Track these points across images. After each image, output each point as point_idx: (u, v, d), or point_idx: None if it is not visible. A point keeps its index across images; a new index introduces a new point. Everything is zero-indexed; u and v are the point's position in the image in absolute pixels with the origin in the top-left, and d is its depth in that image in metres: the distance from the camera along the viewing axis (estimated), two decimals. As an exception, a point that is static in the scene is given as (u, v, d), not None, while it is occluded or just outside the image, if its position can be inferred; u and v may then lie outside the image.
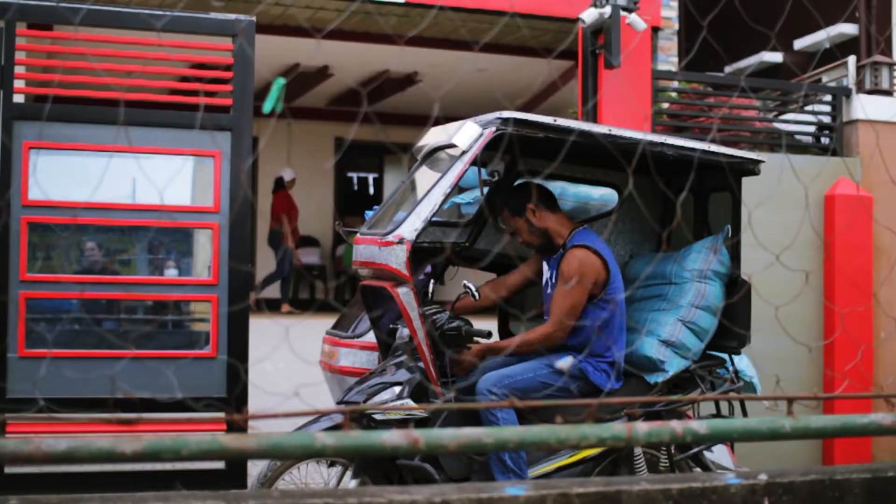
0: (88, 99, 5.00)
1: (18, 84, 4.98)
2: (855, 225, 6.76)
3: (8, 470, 4.65)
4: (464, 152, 3.91)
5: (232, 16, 5.00)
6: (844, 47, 10.47)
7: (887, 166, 6.78)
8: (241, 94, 4.92)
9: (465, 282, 4.28)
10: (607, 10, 6.22)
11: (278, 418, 1.70)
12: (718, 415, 4.63)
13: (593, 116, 6.57)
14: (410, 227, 3.78)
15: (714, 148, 4.36)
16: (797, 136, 7.53)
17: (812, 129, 7.56)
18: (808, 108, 7.60)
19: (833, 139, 7.26)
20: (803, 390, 6.25)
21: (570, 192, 4.91)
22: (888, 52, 10.13)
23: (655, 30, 9.19)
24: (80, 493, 1.63)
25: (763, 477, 2.01)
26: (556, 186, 4.71)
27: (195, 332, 5.20)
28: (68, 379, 4.61)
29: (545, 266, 4.34)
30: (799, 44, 11.03)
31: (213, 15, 4.99)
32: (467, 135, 3.92)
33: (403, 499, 1.70)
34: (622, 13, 6.24)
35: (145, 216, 5.03)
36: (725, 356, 4.45)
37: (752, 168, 4.41)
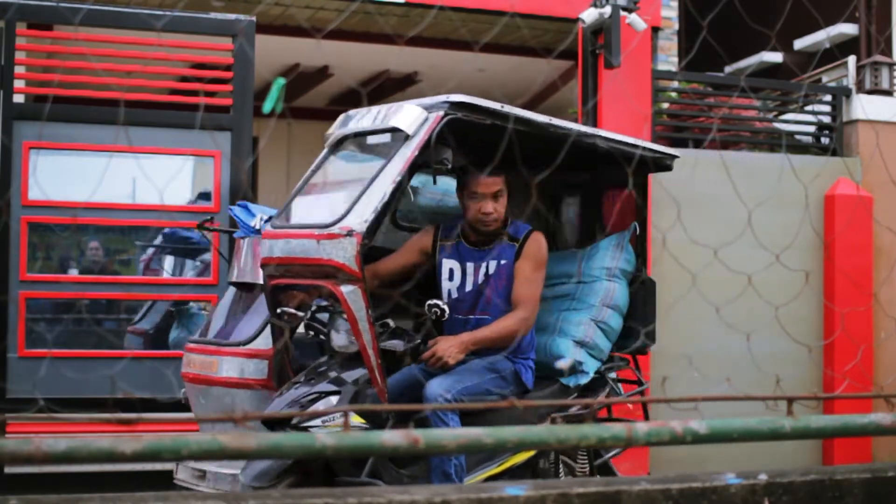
0: (88, 99, 5.01)
1: (18, 84, 4.99)
2: (855, 225, 6.75)
3: (8, 470, 4.65)
4: (408, 136, 3.55)
5: (232, 16, 5.01)
6: (844, 47, 10.47)
7: (887, 166, 6.78)
8: (241, 94, 4.93)
9: (434, 302, 3.75)
10: (607, 10, 6.21)
11: (280, 418, 1.70)
12: (611, 419, 4.52)
13: (593, 116, 6.56)
14: (359, 218, 3.40)
15: (639, 142, 4.23)
16: (797, 136, 7.53)
17: (812, 129, 7.56)
18: (808, 108, 7.60)
19: (833, 139, 7.26)
20: (803, 390, 6.25)
21: (431, 187, 4.54)
22: (888, 52, 10.12)
23: (655, 30, 9.18)
24: (80, 493, 1.63)
25: (763, 477, 2.01)
26: (419, 180, 4.46)
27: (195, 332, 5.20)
28: (68, 379, 4.61)
29: (455, 261, 3.94)
30: (799, 44, 11.03)
31: (213, 15, 5.00)
32: (411, 118, 3.57)
33: (403, 499, 1.70)
34: (622, 13, 6.24)
35: (145, 216, 5.03)
36: (628, 357, 4.35)
37: (668, 164, 4.33)
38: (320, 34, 10.08)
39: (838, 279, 6.66)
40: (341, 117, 4.02)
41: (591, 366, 4.06)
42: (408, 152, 3.49)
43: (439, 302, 3.71)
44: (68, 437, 1.58)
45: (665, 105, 7.37)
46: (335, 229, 3.39)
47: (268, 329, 4.13)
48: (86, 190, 4.81)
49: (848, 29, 10.66)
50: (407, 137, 3.54)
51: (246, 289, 4.54)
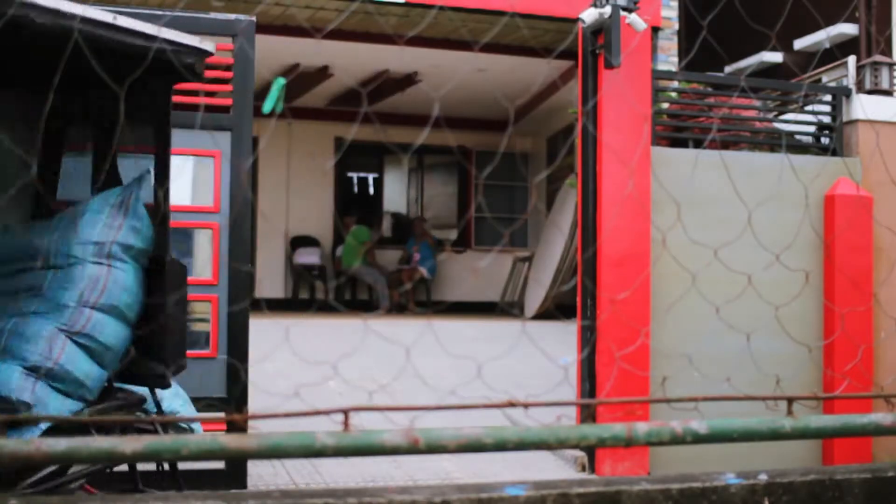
0: (88, 99, 4.99)
1: (18, 84, 4.97)
2: (855, 225, 6.76)
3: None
4: None
5: (232, 16, 5.01)
6: (844, 47, 10.48)
7: (887, 166, 6.78)
8: (241, 94, 4.93)
9: None
10: (607, 10, 6.22)
11: (278, 418, 1.70)
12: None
13: (593, 116, 6.56)
14: None
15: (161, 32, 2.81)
16: (797, 136, 7.53)
17: (812, 129, 7.57)
18: (808, 108, 7.60)
19: (833, 139, 7.26)
20: (803, 390, 6.26)
21: None
22: (888, 52, 10.13)
23: (655, 30, 9.20)
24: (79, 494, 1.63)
25: (763, 477, 2.01)
26: None
27: (195, 332, 5.21)
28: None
29: None
30: (799, 44, 11.04)
31: (213, 15, 4.99)
32: None
33: (403, 498, 1.70)
34: (622, 13, 6.24)
35: (145, 216, 5.00)
36: (145, 391, 2.89)
37: (194, 65, 2.95)
38: (320, 34, 10.09)
39: (838, 279, 6.66)
40: None
41: (53, 407, 2.54)
42: None
43: None
44: (68, 437, 1.58)
45: (665, 105, 7.37)
46: None
47: None
48: (86, 190, 4.80)
49: (848, 29, 10.67)
50: None
51: None
